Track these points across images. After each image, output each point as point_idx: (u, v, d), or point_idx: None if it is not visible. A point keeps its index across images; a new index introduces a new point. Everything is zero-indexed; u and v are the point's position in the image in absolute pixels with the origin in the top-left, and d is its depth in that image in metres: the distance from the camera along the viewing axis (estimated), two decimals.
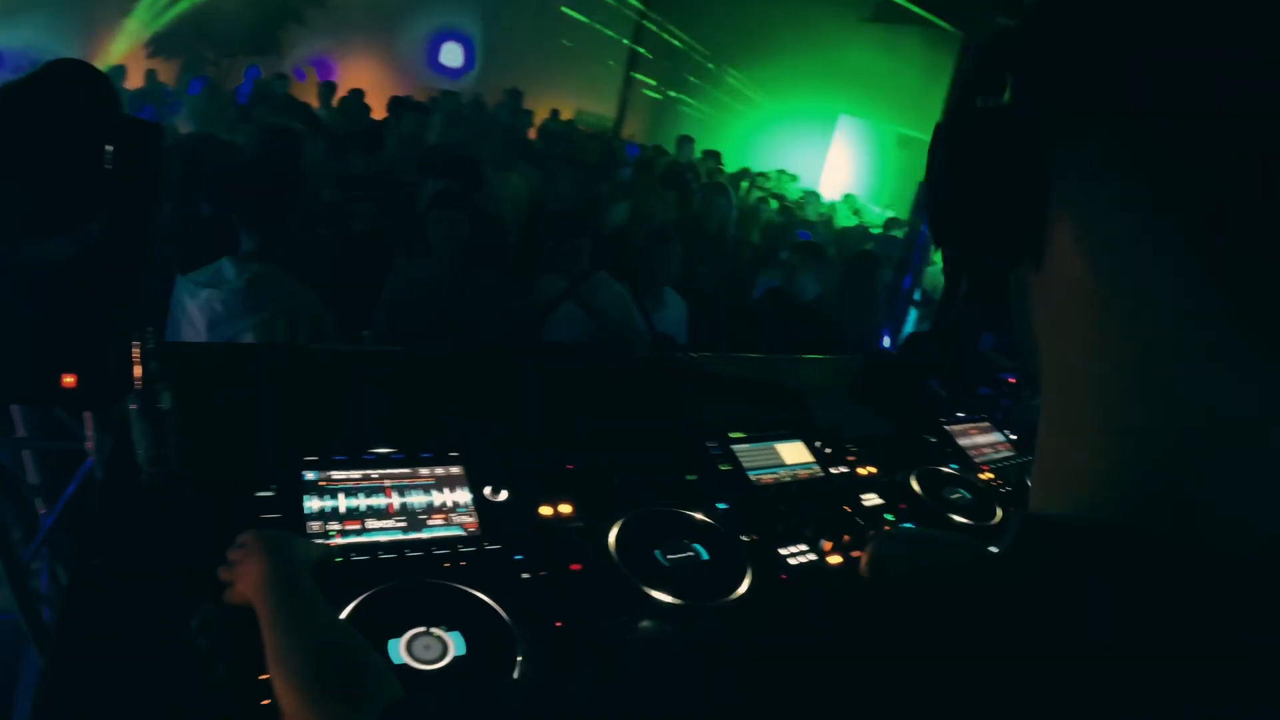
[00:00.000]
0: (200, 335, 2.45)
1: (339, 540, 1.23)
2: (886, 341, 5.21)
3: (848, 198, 9.87)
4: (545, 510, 1.45)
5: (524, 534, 1.36)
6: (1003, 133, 0.48)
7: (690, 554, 1.42)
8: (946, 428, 2.49)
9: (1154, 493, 0.43)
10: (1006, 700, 0.38)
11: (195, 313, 2.45)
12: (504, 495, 1.42)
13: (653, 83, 12.90)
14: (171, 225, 3.62)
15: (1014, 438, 2.64)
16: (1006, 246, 0.49)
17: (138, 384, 1.28)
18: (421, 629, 1.05)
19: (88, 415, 1.45)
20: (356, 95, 7.80)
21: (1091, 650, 0.39)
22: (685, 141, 8.73)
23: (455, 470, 1.43)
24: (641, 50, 12.83)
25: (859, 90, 10.22)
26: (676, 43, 12.35)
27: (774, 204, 7.94)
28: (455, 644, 1.04)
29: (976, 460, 2.37)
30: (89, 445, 1.49)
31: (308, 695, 0.81)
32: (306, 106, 6.79)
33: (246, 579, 0.99)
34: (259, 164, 2.75)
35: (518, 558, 1.29)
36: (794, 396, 2.47)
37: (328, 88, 8.16)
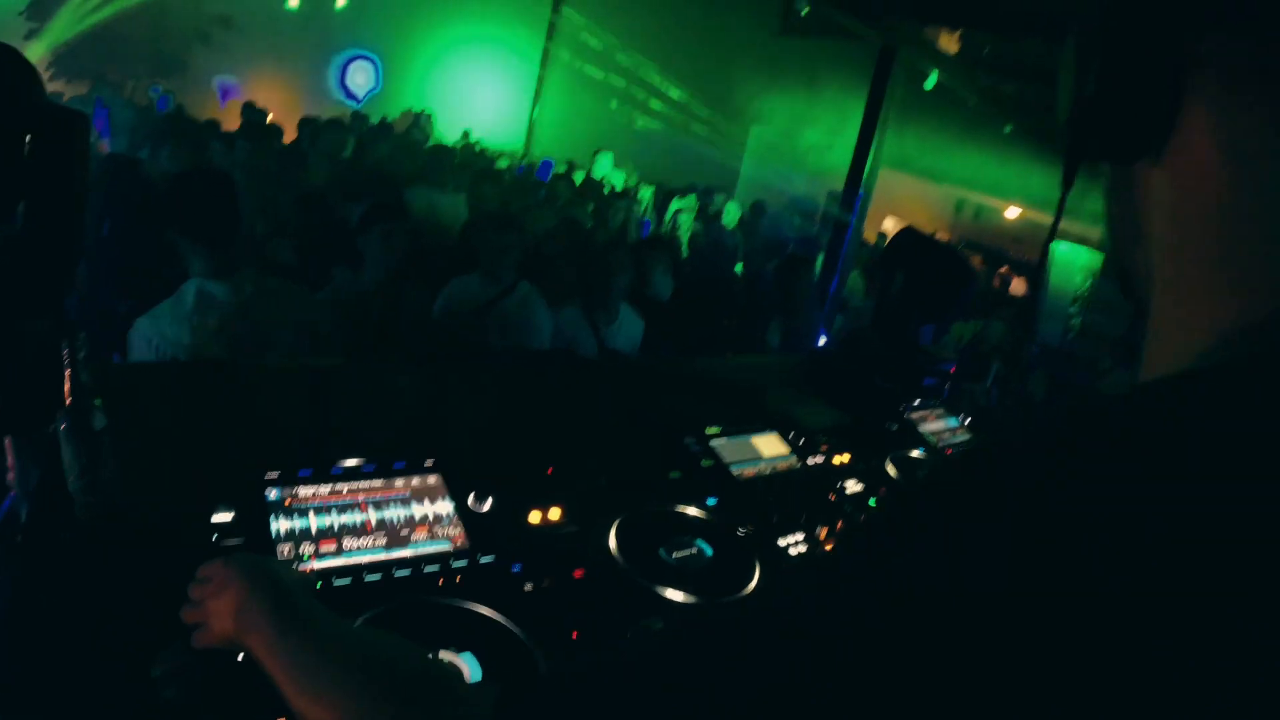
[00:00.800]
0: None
1: (315, 564, 1.07)
2: (822, 341, 5.21)
3: (755, 205, 9.93)
4: (534, 517, 1.32)
5: (517, 543, 1.22)
6: (1147, 29, 0.51)
7: (694, 550, 1.31)
8: (906, 415, 2.46)
9: None
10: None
11: (187, 346, 2.15)
12: (489, 504, 1.29)
13: (567, 96, 12.55)
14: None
15: (968, 421, 2.63)
16: (1139, 137, 0.53)
17: (67, 401, 1.11)
18: (429, 654, 0.91)
19: (8, 442, 1.25)
20: (261, 115, 7.48)
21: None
22: (600, 155, 8.64)
23: (432, 480, 1.29)
24: (559, 50, 12.40)
25: (771, 103, 10.30)
26: (594, 41, 12.03)
27: (688, 217, 7.90)
28: (470, 667, 0.90)
29: (939, 444, 2.33)
30: (11, 476, 1.28)
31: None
32: (215, 124, 6.46)
33: (222, 614, 0.83)
34: (199, 173, 2.49)
35: (516, 569, 1.16)
36: (751, 396, 2.39)
37: (250, 109, 7.75)
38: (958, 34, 4.51)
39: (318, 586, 1.02)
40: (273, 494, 1.15)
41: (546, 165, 8.80)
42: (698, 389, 2.45)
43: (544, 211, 5.12)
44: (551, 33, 12.16)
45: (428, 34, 12.09)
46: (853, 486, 1.83)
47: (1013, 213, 10.19)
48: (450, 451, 1.36)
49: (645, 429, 1.81)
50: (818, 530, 1.53)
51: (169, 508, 1.13)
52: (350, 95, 12.31)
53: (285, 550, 1.08)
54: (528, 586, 1.12)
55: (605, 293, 3.70)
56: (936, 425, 2.49)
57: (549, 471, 1.49)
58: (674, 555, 1.28)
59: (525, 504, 1.33)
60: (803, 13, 4.66)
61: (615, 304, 3.78)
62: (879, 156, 5.11)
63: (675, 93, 11.95)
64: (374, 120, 9.15)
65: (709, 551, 1.31)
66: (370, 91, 12.42)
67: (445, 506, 1.24)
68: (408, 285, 3.26)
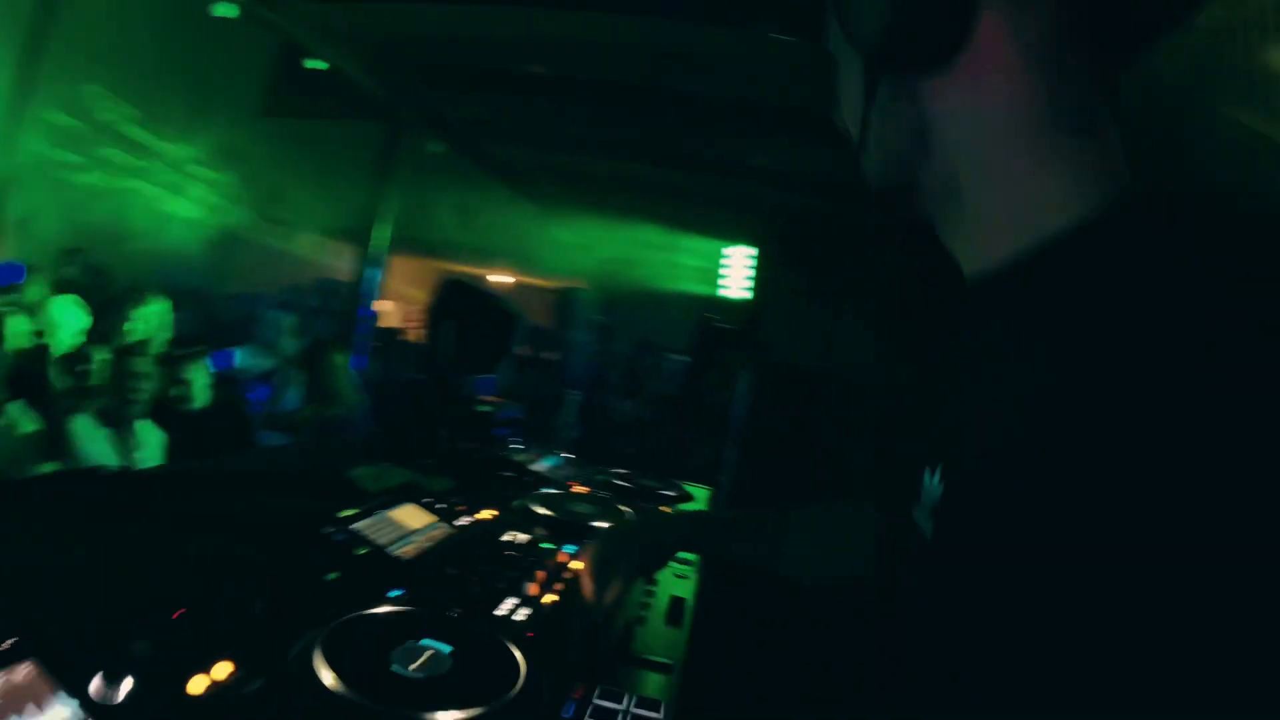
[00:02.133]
0: None
1: None
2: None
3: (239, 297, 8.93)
4: (198, 684, 0.89)
5: None
6: None
7: (431, 653, 1.01)
8: (515, 459, 2.34)
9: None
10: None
11: None
12: (127, 685, 0.83)
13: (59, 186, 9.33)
14: None
15: (570, 456, 2.61)
16: (935, 44, 0.58)
17: None
18: None
19: None
20: None
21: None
22: (74, 253, 6.90)
23: (25, 672, 0.79)
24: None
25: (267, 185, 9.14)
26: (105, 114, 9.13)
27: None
28: None
29: (559, 478, 2.26)
30: None
31: None
32: None
33: None
34: None
35: None
36: (335, 474, 2.04)
37: None
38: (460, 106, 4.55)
39: None
40: None
41: (13, 269, 6.72)
42: (277, 483, 2.03)
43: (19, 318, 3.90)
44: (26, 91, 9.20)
45: None
46: (520, 536, 1.65)
47: (499, 278, 10.68)
48: (31, 626, 0.86)
49: (262, 532, 1.41)
50: (527, 587, 1.32)
51: None
52: None
53: None
54: None
55: (124, 410, 2.94)
56: (543, 465, 2.42)
57: (176, 616, 1.04)
58: (412, 667, 0.97)
59: (177, 670, 0.90)
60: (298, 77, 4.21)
61: (130, 421, 3.03)
62: (391, 230, 4.91)
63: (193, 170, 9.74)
64: None
65: (447, 649, 1.02)
66: None
67: (64, 708, 0.76)
68: None
